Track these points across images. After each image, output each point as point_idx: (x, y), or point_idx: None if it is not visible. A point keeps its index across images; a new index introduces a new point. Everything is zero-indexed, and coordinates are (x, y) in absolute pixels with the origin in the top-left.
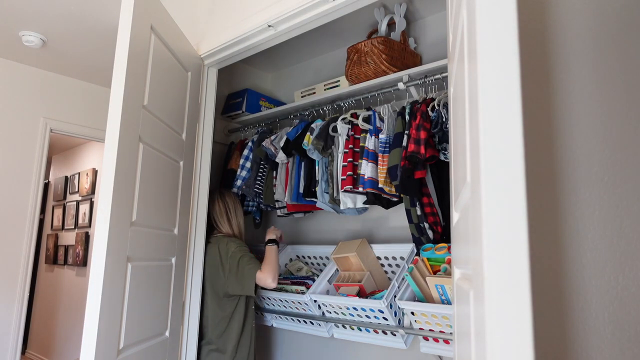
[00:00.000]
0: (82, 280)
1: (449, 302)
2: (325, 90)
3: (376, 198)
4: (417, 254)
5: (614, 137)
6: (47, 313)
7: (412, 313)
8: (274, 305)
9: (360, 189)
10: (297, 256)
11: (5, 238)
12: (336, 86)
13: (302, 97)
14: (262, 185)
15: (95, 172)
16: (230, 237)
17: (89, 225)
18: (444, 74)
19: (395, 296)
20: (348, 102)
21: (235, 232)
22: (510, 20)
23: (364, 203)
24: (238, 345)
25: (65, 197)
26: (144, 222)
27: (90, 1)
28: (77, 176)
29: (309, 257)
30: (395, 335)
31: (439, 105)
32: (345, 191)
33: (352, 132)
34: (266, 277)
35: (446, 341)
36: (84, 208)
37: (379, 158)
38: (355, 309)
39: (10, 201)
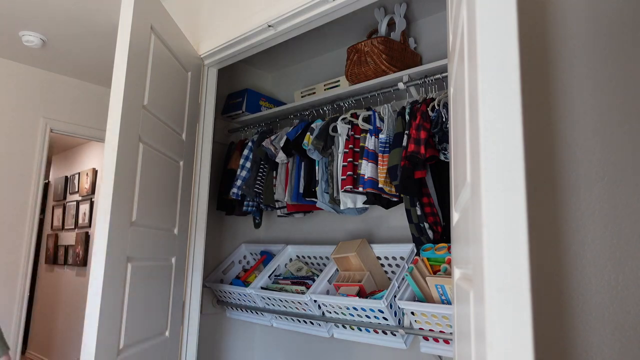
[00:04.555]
0: (82, 280)
1: (449, 302)
2: (325, 90)
3: (376, 198)
4: (417, 254)
5: (614, 137)
6: (47, 313)
7: (412, 313)
8: (274, 305)
9: (360, 189)
10: (297, 256)
11: (5, 238)
12: (336, 86)
13: (302, 97)
14: (262, 185)
15: (95, 172)
16: None
17: (89, 225)
18: (444, 74)
19: (395, 296)
20: (348, 102)
21: None
22: (510, 20)
23: (364, 203)
24: None
25: (65, 197)
26: (144, 222)
27: (90, 1)
28: (77, 176)
29: (309, 257)
30: (395, 335)
31: (439, 105)
32: (345, 191)
33: (352, 132)
34: None
35: (446, 341)
36: (84, 208)
37: (379, 158)
38: (355, 309)
39: (10, 201)
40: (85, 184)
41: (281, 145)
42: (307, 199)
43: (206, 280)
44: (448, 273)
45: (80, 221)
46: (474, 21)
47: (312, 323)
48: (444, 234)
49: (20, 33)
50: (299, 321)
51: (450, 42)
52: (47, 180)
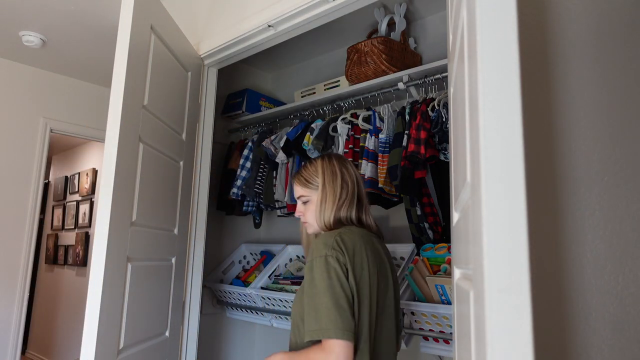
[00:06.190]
0: (82, 280)
1: (449, 302)
2: (325, 90)
3: (376, 198)
4: (417, 254)
5: (614, 137)
6: (47, 313)
7: (412, 313)
8: (274, 305)
9: None
10: (297, 256)
11: (5, 238)
12: (336, 86)
13: (302, 97)
14: (262, 185)
15: (95, 172)
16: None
17: (89, 225)
18: (444, 74)
19: None
20: (348, 102)
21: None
22: (510, 20)
23: None
24: None
25: (65, 197)
26: (144, 222)
27: (90, 1)
28: (77, 176)
29: None
30: None
31: (439, 105)
32: None
33: (352, 132)
34: None
35: (446, 341)
36: (84, 208)
37: (379, 158)
38: None
39: (10, 201)
40: (85, 184)
41: (281, 145)
42: None
43: (206, 280)
44: (448, 273)
45: (80, 221)
46: (474, 21)
47: None
48: (444, 234)
49: (20, 33)
50: None
51: (450, 42)
52: (47, 180)
